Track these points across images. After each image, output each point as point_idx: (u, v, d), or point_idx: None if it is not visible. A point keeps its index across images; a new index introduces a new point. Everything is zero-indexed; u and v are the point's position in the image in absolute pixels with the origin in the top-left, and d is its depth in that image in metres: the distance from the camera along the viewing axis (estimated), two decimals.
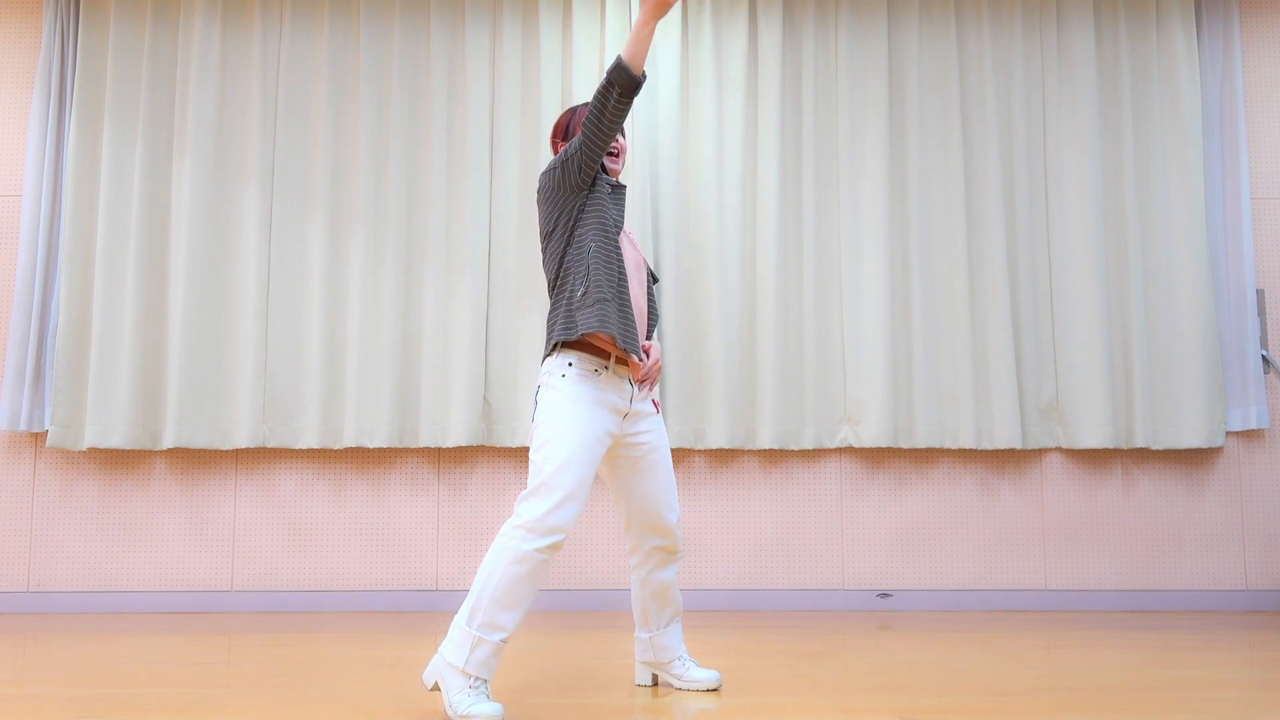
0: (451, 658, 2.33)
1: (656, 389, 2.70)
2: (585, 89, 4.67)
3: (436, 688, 2.40)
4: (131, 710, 2.44)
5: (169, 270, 4.56)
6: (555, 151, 2.69)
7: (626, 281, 2.51)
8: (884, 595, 4.55)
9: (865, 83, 4.74)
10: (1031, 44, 4.82)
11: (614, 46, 4.67)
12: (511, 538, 2.34)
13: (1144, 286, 4.65)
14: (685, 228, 4.63)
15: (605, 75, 2.61)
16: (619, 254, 2.50)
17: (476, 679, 2.33)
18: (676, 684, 2.72)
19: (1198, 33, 4.81)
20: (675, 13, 4.70)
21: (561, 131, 2.68)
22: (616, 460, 2.61)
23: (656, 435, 2.64)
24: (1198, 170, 4.67)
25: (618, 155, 2.66)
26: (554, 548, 2.35)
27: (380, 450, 4.58)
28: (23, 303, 4.46)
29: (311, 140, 4.65)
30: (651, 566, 2.65)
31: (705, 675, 2.71)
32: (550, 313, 2.54)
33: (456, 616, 2.37)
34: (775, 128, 4.66)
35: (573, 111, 2.68)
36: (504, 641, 2.35)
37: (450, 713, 2.30)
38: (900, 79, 4.77)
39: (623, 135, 2.69)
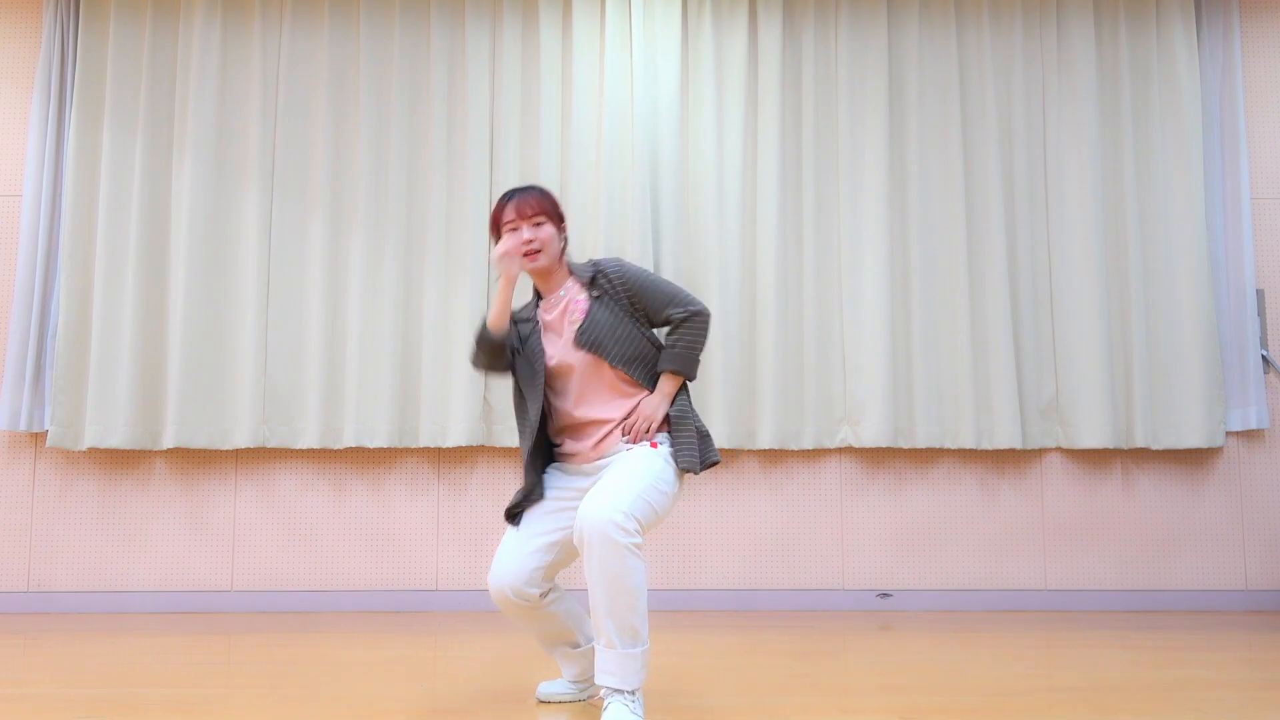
0: None
1: (655, 436, 2.41)
2: (585, 89, 4.66)
3: None
4: (131, 710, 2.45)
5: (169, 270, 4.55)
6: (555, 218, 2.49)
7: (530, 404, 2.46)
8: (884, 595, 4.55)
9: (865, 83, 4.74)
10: (1031, 44, 4.82)
11: (614, 46, 4.67)
12: None
13: (1144, 286, 4.65)
14: (685, 228, 4.63)
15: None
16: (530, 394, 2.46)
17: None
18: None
19: (1198, 33, 4.81)
20: (675, 13, 4.70)
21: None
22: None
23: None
24: (1198, 170, 4.67)
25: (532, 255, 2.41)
26: None
27: (380, 450, 4.58)
28: (23, 303, 4.46)
29: (311, 140, 4.65)
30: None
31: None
32: None
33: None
34: (775, 127, 4.66)
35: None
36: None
37: None
38: (900, 79, 4.77)
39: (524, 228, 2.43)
